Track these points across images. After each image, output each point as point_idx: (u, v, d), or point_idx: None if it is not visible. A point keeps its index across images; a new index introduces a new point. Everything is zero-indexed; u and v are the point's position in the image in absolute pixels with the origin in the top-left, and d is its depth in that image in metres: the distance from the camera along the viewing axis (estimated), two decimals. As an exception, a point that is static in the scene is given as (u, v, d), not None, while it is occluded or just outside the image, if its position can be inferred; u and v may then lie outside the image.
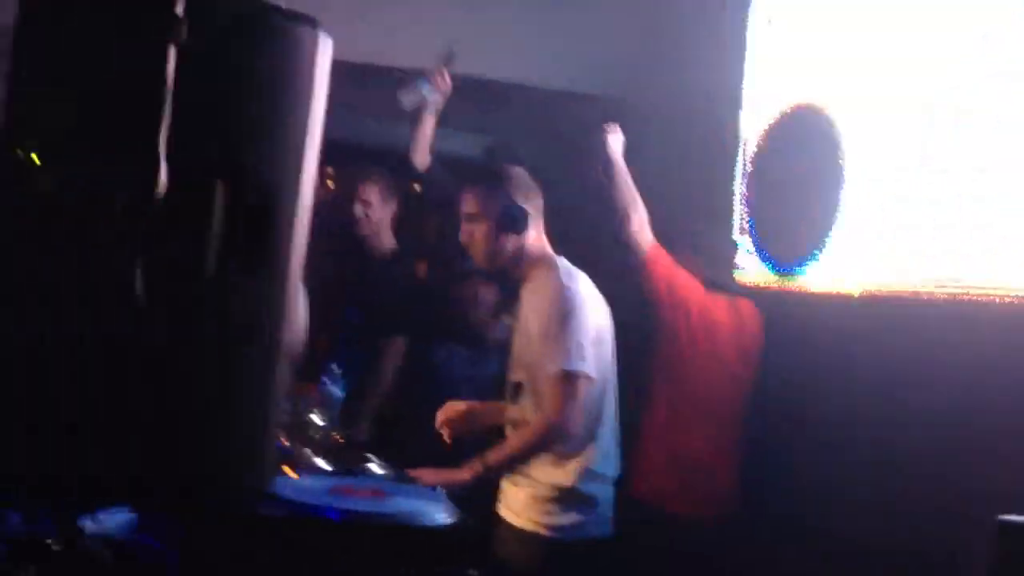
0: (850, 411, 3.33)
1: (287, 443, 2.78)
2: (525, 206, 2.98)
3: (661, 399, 3.64)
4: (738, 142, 4.06)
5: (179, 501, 1.55)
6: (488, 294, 4.13)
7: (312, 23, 1.50)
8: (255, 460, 1.53)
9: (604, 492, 2.95)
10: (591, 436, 2.90)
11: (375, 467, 2.80)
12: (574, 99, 4.66)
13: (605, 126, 3.66)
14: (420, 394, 3.96)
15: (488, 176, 3.10)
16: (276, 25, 1.48)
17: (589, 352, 2.82)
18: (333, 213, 4.34)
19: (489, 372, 3.88)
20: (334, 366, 3.41)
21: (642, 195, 3.63)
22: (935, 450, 2.96)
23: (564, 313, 2.83)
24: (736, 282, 3.82)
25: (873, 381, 3.22)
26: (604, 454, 2.95)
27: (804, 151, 3.72)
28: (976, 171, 2.91)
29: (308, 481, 2.55)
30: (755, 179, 4.00)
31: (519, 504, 2.90)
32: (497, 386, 3.22)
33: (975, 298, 2.86)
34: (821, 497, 3.40)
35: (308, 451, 2.85)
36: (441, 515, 2.34)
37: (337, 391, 3.33)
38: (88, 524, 1.51)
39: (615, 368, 3.03)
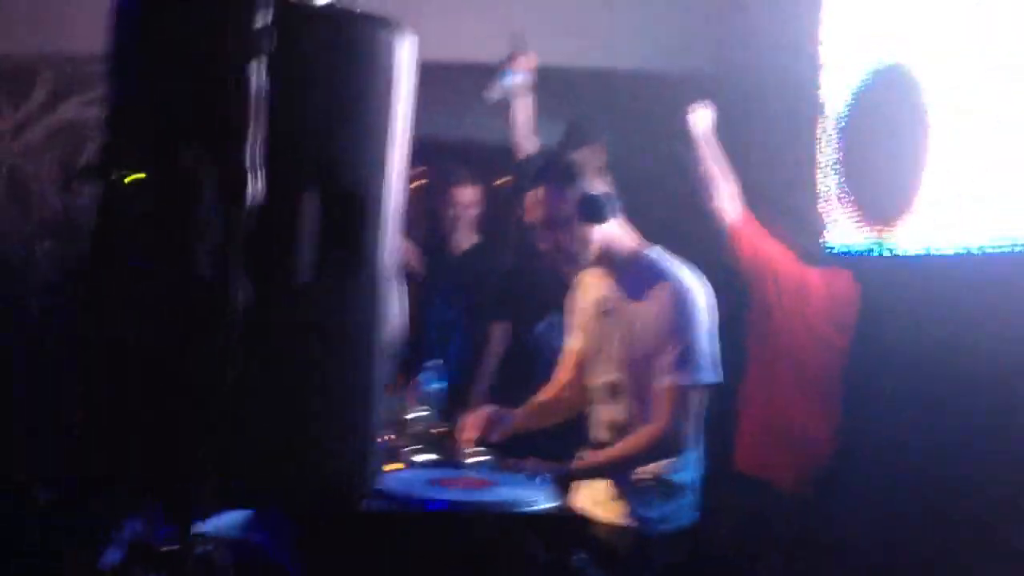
0: (950, 376, 3.24)
1: (389, 438, 2.82)
2: (602, 191, 2.77)
3: (757, 371, 3.61)
4: (821, 109, 4.00)
5: (289, 500, 1.59)
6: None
7: (396, 25, 1.52)
8: (361, 457, 1.55)
9: (693, 479, 2.87)
10: None
11: (478, 458, 2.82)
12: (653, 78, 4.64)
13: (692, 104, 3.63)
14: (524, 377, 4.01)
15: (555, 171, 2.84)
16: (361, 29, 1.51)
17: (707, 359, 2.70)
18: (420, 210, 4.41)
19: None
20: (431, 360, 3.46)
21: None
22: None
23: (681, 321, 2.68)
24: (829, 252, 3.76)
25: (971, 343, 3.14)
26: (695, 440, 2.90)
27: (890, 110, 3.65)
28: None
29: (412, 474, 2.58)
30: (842, 142, 3.93)
31: (604, 496, 2.78)
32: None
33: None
34: (919, 468, 3.33)
35: (410, 445, 2.89)
36: (545, 501, 2.35)
37: (435, 385, 3.37)
38: (204, 524, 1.55)
39: None
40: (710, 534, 2.97)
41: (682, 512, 2.82)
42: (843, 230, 3.85)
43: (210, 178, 1.40)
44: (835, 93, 3.96)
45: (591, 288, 2.92)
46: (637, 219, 2.95)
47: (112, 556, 1.96)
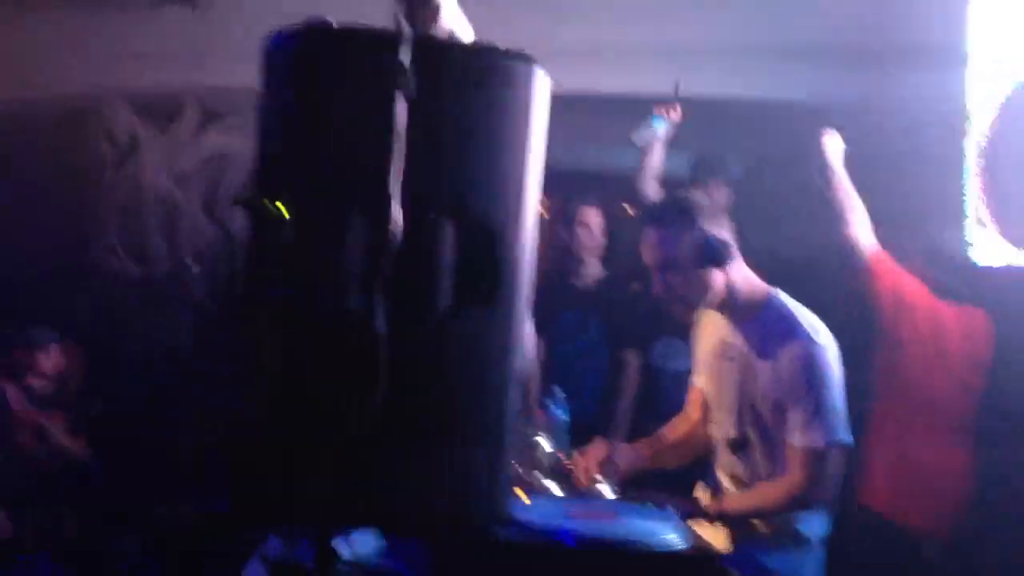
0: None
1: (518, 467, 2.84)
2: (722, 234, 2.68)
3: (887, 407, 3.52)
4: (965, 130, 3.88)
5: (423, 527, 1.62)
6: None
7: (529, 61, 1.55)
8: (494, 486, 1.58)
9: (821, 532, 2.78)
10: None
11: (606, 489, 2.81)
12: (785, 108, 4.58)
13: (822, 131, 3.58)
14: (647, 401, 4.04)
15: (671, 213, 2.75)
16: (495, 66, 1.54)
17: (839, 417, 2.61)
18: (549, 238, 4.45)
19: None
20: (558, 389, 3.47)
21: (865, 197, 3.53)
22: None
23: (811, 379, 2.59)
24: (966, 286, 3.65)
25: None
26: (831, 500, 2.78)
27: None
28: None
29: (542, 504, 2.59)
30: (989, 160, 3.81)
31: (726, 539, 2.67)
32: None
33: None
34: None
35: (538, 474, 2.90)
36: (677, 538, 2.33)
37: (562, 414, 3.38)
38: (343, 548, 1.60)
39: None
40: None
41: (806, 564, 2.75)
42: (987, 250, 3.73)
43: (355, 211, 1.45)
44: (982, 108, 3.84)
45: (713, 328, 2.87)
46: (763, 256, 2.89)
47: (253, 573, 2.03)
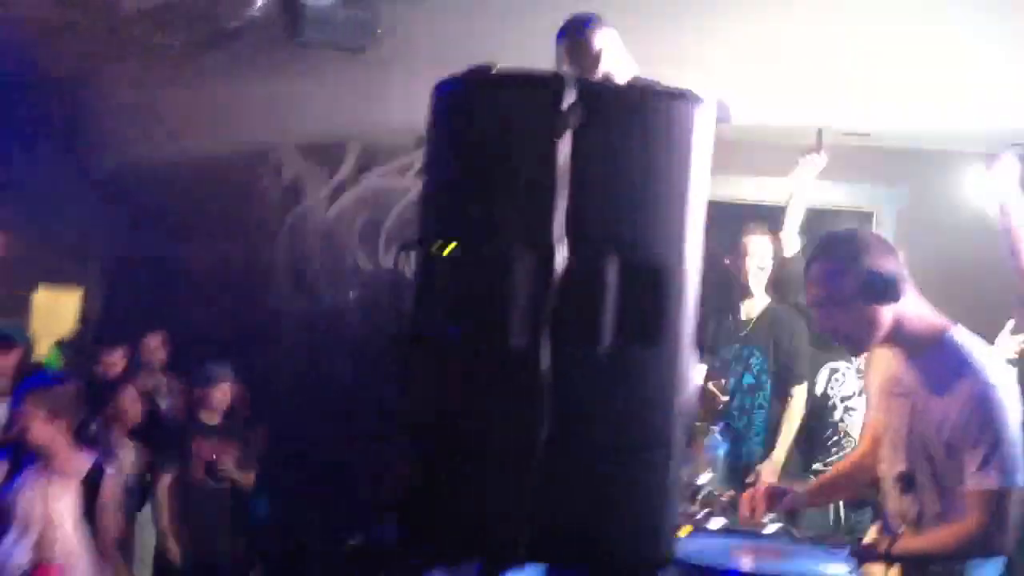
0: None
1: (681, 503, 2.81)
2: (889, 269, 2.57)
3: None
4: None
5: (588, 561, 1.62)
6: None
7: (692, 97, 1.56)
8: (660, 521, 1.57)
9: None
10: None
11: (772, 526, 2.76)
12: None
13: (999, 155, 3.44)
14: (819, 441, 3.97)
15: (835, 247, 2.67)
16: (657, 104, 1.55)
17: (1020, 457, 2.47)
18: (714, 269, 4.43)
19: None
20: (717, 425, 3.43)
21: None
22: None
23: (988, 419, 2.46)
24: None
25: None
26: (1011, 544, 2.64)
27: None
28: None
29: (706, 540, 2.56)
30: None
31: None
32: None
33: None
34: None
35: (699, 511, 2.87)
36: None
37: (721, 450, 3.34)
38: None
39: None
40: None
41: None
42: None
43: (520, 250, 1.48)
44: None
45: (884, 363, 2.77)
46: (936, 291, 2.75)
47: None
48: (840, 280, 2.58)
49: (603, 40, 2.88)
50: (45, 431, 3.57)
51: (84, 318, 6.96)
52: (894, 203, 5.22)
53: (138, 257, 6.40)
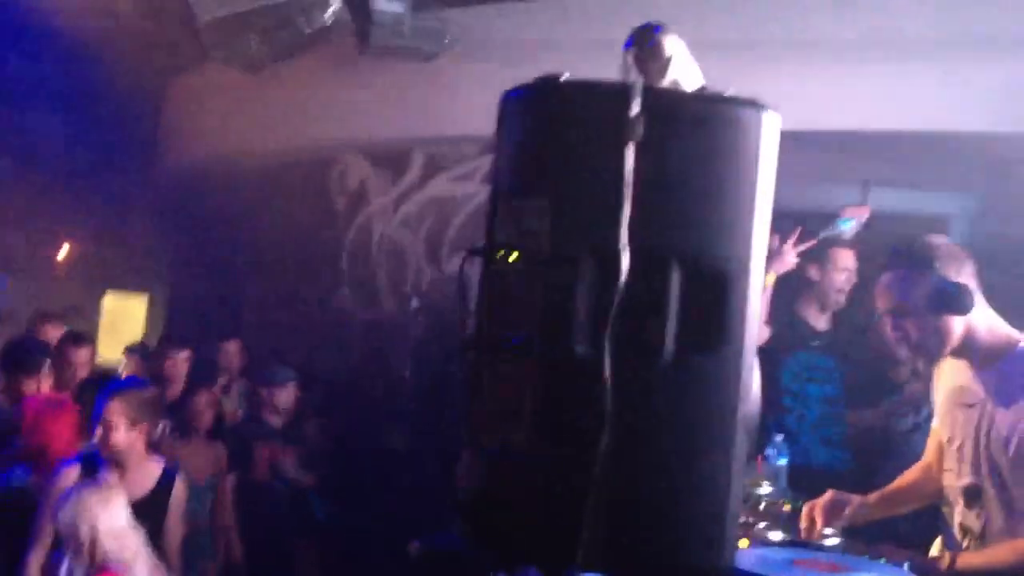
0: None
1: (741, 515, 2.80)
2: (960, 279, 2.55)
3: None
4: None
5: (649, 571, 1.62)
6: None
7: (757, 106, 1.55)
8: (720, 532, 1.57)
9: None
10: None
11: (831, 539, 2.73)
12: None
13: None
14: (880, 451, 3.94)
15: (906, 257, 2.64)
16: (723, 113, 1.56)
17: None
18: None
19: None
20: (778, 436, 3.39)
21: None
22: None
23: None
24: None
25: None
26: None
27: None
28: None
29: (765, 552, 2.54)
30: None
31: None
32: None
33: None
34: None
35: (759, 522, 2.85)
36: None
37: (781, 461, 3.30)
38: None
39: None
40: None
41: None
42: None
43: (585, 258, 1.49)
44: None
45: (953, 373, 2.74)
46: (1007, 302, 2.70)
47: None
48: (911, 290, 2.56)
49: (671, 48, 2.88)
50: (126, 437, 3.58)
51: (151, 322, 7.08)
52: (968, 211, 5.14)
53: (205, 262, 6.52)
